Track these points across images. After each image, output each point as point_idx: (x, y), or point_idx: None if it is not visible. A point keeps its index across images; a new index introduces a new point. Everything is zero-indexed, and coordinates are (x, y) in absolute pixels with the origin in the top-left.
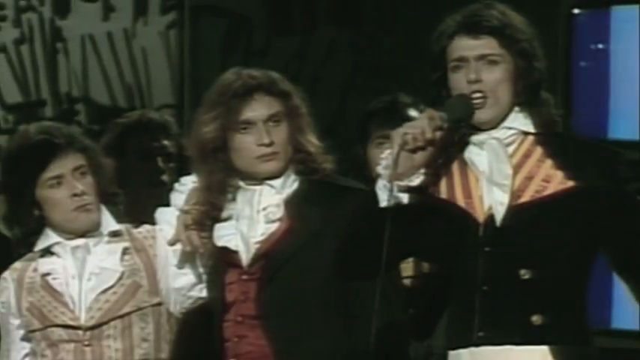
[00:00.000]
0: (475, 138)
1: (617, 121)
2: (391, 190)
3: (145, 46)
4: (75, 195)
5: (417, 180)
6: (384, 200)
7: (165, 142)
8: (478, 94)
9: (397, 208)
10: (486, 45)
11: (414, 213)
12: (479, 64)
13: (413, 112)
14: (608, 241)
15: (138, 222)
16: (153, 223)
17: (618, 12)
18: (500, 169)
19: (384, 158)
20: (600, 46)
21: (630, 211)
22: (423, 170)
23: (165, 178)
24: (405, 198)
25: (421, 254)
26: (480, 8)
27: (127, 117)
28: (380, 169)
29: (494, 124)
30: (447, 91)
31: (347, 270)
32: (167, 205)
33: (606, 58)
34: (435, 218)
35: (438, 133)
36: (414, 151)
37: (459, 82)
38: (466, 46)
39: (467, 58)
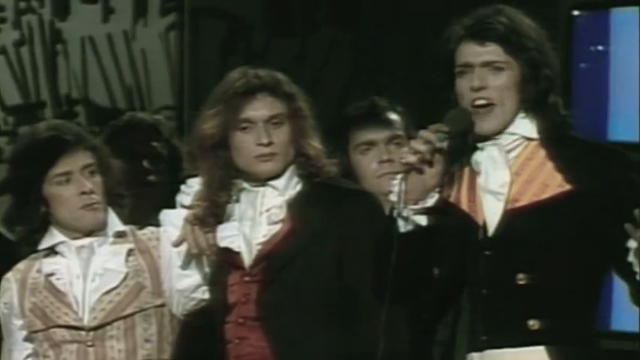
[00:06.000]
0: (480, 144)
1: (616, 123)
2: (406, 218)
3: (144, 47)
4: (83, 193)
5: (430, 200)
6: (401, 226)
7: (155, 144)
8: (482, 102)
9: (417, 231)
10: (492, 52)
11: (431, 231)
12: (484, 70)
13: (392, 115)
14: (609, 243)
15: (128, 222)
16: (142, 223)
17: (618, 14)
18: (497, 177)
19: (393, 185)
20: (600, 47)
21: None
22: (437, 189)
23: (152, 178)
24: (422, 220)
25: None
26: (488, 14)
27: (119, 119)
28: (391, 197)
29: (500, 132)
30: (455, 95)
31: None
32: (157, 205)
33: (606, 60)
34: (442, 221)
35: (444, 144)
36: (420, 170)
37: (463, 88)
38: (472, 52)
39: (472, 64)
